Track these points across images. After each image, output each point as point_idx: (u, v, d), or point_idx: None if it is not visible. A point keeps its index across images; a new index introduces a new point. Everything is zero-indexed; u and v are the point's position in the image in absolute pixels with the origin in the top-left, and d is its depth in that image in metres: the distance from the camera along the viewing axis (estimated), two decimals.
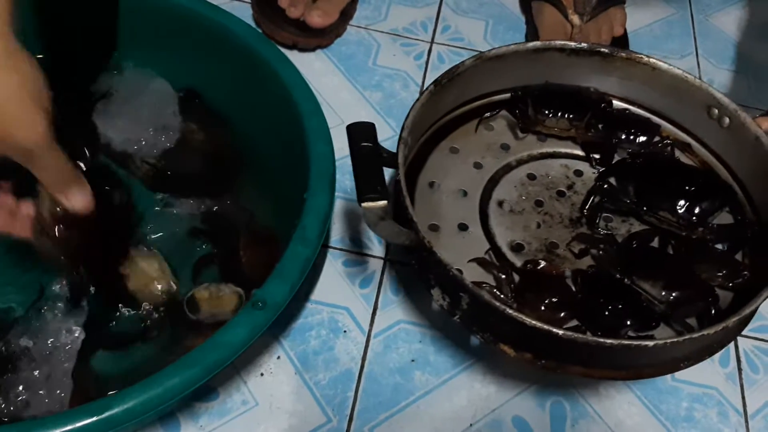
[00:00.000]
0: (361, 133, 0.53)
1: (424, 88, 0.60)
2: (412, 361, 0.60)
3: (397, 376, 0.59)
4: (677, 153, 0.66)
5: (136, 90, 0.68)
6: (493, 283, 0.55)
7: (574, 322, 0.54)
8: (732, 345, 0.64)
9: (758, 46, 0.93)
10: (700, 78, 0.66)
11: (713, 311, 0.54)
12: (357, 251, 0.67)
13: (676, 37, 0.92)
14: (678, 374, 0.62)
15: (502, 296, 0.54)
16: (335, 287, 0.64)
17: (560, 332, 0.47)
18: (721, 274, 0.56)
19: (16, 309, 0.57)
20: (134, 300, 0.57)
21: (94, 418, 0.43)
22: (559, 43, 0.66)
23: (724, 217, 0.61)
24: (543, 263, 0.56)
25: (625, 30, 0.86)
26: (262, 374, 0.58)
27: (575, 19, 0.84)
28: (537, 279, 0.56)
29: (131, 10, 0.69)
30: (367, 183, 0.51)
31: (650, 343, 0.48)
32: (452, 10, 0.90)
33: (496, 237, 0.60)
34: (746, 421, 0.60)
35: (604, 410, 0.59)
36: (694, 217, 0.59)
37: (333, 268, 0.65)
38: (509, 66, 0.65)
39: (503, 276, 0.56)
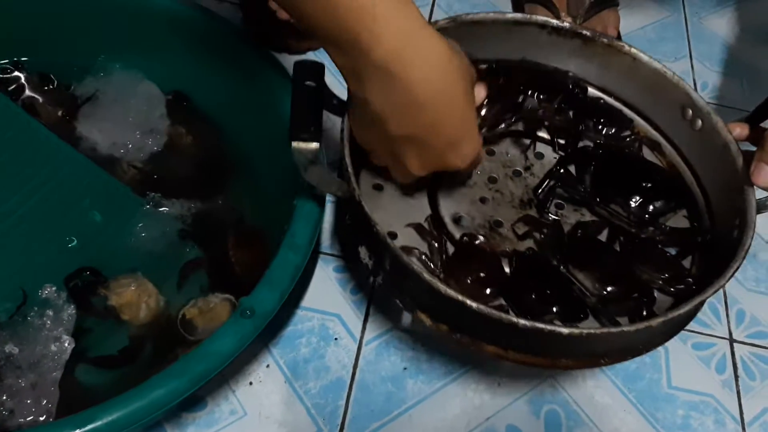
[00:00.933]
0: (307, 71, 0.50)
1: None
2: (404, 369, 0.59)
3: (389, 385, 0.58)
4: (646, 151, 0.64)
5: (124, 93, 0.67)
6: (426, 252, 0.54)
7: (500, 302, 0.52)
8: (728, 352, 0.64)
9: (752, 49, 0.93)
10: (693, 80, 0.65)
11: (645, 312, 0.52)
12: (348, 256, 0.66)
13: (670, 40, 0.92)
14: (674, 382, 0.61)
15: (431, 265, 0.53)
16: (326, 294, 0.63)
17: (473, 305, 0.46)
18: (663, 276, 0.55)
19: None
20: (124, 323, 0.56)
21: (77, 431, 0.42)
22: (541, 18, 0.63)
23: (680, 221, 0.59)
24: (481, 239, 0.55)
25: (619, 32, 0.86)
26: (251, 383, 0.57)
27: (568, 21, 0.83)
28: (470, 253, 0.54)
29: (119, 12, 0.68)
30: (300, 122, 0.48)
31: (564, 330, 0.46)
32: (444, 12, 0.90)
33: (440, 206, 0.58)
34: (743, 429, 0.59)
35: (599, 418, 0.58)
36: (646, 215, 0.58)
37: (324, 273, 0.64)
38: (486, 35, 0.62)
39: (436, 245, 0.54)
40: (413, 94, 0.45)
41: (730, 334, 0.65)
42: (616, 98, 0.66)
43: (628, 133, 0.64)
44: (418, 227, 0.55)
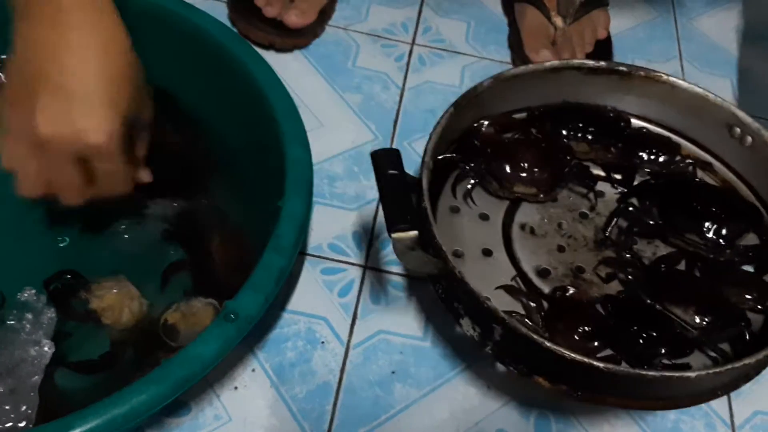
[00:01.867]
0: (386, 161, 0.52)
1: (445, 111, 0.59)
2: (393, 372, 0.58)
3: (377, 389, 0.57)
4: (699, 173, 0.65)
5: None
6: (522, 312, 0.54)
7: (607, 351, 0.53)
8: None
9: (742, 50, 0.92)
10: (716, 96, 0.64)
11: (747, 335, 0.53)
12: (336, 258, 0.65)
13: (660, 41, 0.92)
14: None
15: (532, 325, 0.53)
16: (313, 296, 0.62)
17: (601, 365, 0.46)
18: (750, 296, 0.55)
19: None
20: (105, 327, 0.55)
21: None
22: (576, 62, 0.65)
23: (750, 238, 0.60)
24: (572, 290, 0.56)
25: (609, 33, 0.85)
26: (236, 387, 0.56)
27: (558, 21, 0.83)
28: (567, 307, 0.55)
29: None
30: (396, 213, 0.49)
31: (692, 375, 0.47)
32: (433, 11, 0.89)
33: (521, 262, 0.58)
34: None
35: (590, 422, 0.58)
36: (721, 240, 0.58)
37: (311, 276, 0.63)
38: (526, 85, 0.64)
39: (533, 304, 0.54)
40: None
41: None
42: (658, 125, 0.67)
43: (679, 158, 0.65)
44: (509, 288, 0.56)
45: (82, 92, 0.46)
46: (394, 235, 0.48)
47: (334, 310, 0.61)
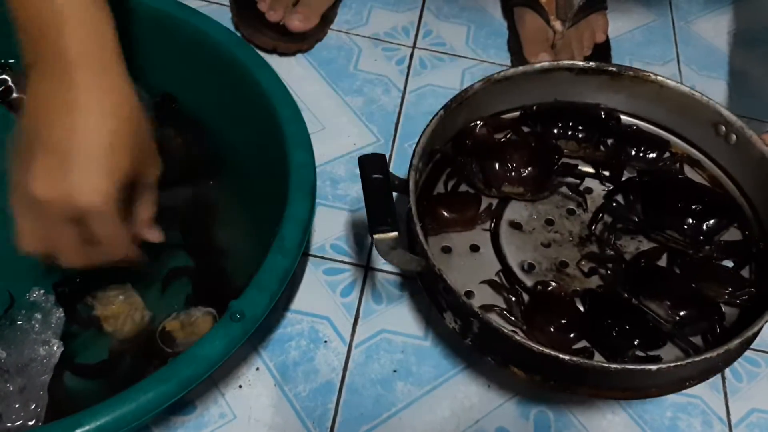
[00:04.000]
0: (372, 165, 0.55)
1: (436, 112, 0.60)
2: (394, 371, 0.59)
3: (379, 387, 0.58)
4: (687, 169, 0.66)
5: None
6: (504, 305, 0.56)
7: (583, 343, 0.54)
8: None
9: (739, 53, 0.93)
10: (681, 84, 0.65)
11: (718, 329, 0.54)
12: (338, 259, 0.65)
13: (658, 44, 0.92)
14: None
15: (512, 318, 0.55)
16: (316, 296, 0.63)
17: (567, 358, 0.48)
18: (727, 291, 0.57)
19: None
20: (106, 335, 0.55)
21: None
22: (566, 63, 0.66)
23: (732, 233, 0.61)
24: (553, 284, 0.57)
25: (607, 36, 0.86)
26: (240, 386, 0.57)
27: (557, 25, 0.84)
28: (547, 300, 0.56)
29: None
30: (377, 215, 0.52)
31: (653, 367, 0.49)
32: (434, 15, 0.90)
33: (507, 257, 0.60)
34: (730, 430, 0.60)
35: (588, 420, 0.59)
36: (701, 236, 0.60)
37: (314, 276, 0.64)
38: (517, 86, 0.65)
39: (513, 298, 0.56)
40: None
41: None
42: (649, 122, 0.68)
43: (668, 154, 0.66)
44: (492, 283, 0.58)
45: (81, 154, 0.44)
46: (375, 236, 0.51)
47: (336, 309, 0.62)
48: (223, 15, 0.83)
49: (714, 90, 0.87)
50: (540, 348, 0.49)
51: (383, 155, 0.56)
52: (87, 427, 0.42)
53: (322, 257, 0.65)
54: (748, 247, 0.60)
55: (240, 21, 0.81)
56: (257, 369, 0.58)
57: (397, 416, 0.57)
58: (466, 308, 0.51)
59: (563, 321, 0.55)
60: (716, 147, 0.65)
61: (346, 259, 0.66)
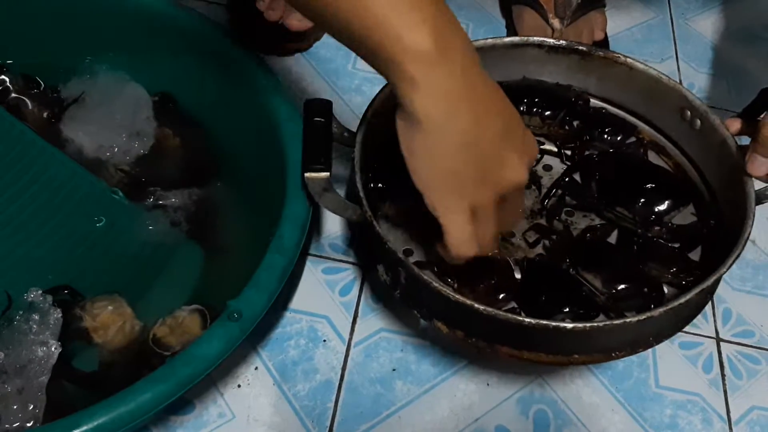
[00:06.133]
0: (315, 109, 0.56)
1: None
2: (393, 370, 0.59)
3: (378, 386, 0.58)
4: (652, 155, 0.66)
5: (110, 94, 0.67)
6: (441, 265, 0.55)
7: (513, 305, 0.54)
8: (715, 351, 0.64)
9: (737, 50, 0.93)
10: (680, 81, 0.66)
11: (653, 306, 0.53)
12: (337, 258, 0.65)
13: (656, 41, 0.92)
14: (661, 381, 0.61)
15: (447, 279, 0.55)
16: (315, 295, 0.63)
17: (481, 308, 0.48)
18: (671, 271, 0.57)
19: None
20: (96, 345, 0.55)
21: None
22: (537, 39, 0.66)
23: (688, 218, 0.61)
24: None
25: (606, 34, 0.86)
26: (239, 386, 0.57)
27: (555, 23, 0.84)
28: (481, 262, 0.55)
29: (105, 13, 0.68)
30: (312, 154, 0.53)
31: (569, 326, 0.48)
32: None
33: None
34: (730, 428, 0.60)
35: (588, 418, 0.59)
36: (652, 216, 0.60)
37: (312, 275, 0.64)
38: (486, 60, 0.63)
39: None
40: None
41: (717, 333, 0.65)
42: (618, 107, 0.68)
43: (633, 139, 0.66)
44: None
45: (518, 139, 0.49)
46: (306, 175, 0.51)
47: (335, 309, 0.62)
48: (222, 15, 0.82)
49: (712, 87, 0.87)
50: (455, 296, 0.48)
51: (330, 101, 0.56)
52: (85, 427, 0.42)
53: (320, 256, 0.65)
54: (700, 230, 0.60)
55: (238, 20, 0.81)
56: (256, 368, 0.58)
57: (396, 415, 0.57)
58: (394, 258, 0.50)
59: (493, 281, 0.54)
60: (681, 133, 0.64)
61: (345, 258, 0.65)
